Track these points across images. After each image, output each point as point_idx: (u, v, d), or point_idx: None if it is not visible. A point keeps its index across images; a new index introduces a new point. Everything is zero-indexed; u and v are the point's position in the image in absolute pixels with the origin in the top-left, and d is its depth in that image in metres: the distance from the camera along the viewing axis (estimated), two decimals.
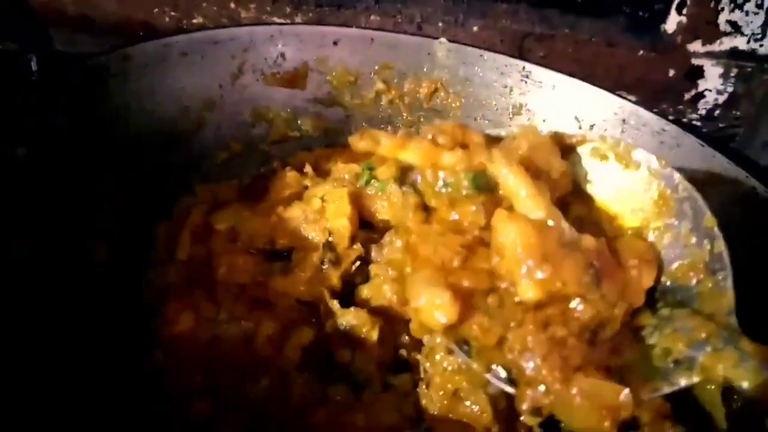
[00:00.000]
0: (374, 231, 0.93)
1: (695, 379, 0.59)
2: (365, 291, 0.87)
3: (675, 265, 0.69)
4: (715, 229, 0.67)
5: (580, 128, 1.12)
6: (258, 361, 0.83)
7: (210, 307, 0.87)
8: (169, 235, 0.95)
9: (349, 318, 0.84)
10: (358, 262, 0.89)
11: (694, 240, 0.69)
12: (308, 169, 1.00)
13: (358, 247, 0.89)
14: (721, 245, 0.66)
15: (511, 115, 1.15)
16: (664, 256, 0.71)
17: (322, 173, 1.01)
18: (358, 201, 0.92)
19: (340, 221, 0.89)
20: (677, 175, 0.72)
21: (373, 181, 0.94)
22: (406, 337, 0.85)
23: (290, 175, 1.00)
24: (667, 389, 0.61)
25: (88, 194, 0.84)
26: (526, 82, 1.14)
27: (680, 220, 0.70)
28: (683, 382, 0.60)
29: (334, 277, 0.87)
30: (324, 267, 0.88)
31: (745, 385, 0.56)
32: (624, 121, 1.09)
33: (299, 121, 1.10)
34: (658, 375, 0.61)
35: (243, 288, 0.89)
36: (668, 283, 0.69)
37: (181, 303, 0.86)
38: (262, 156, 1.09)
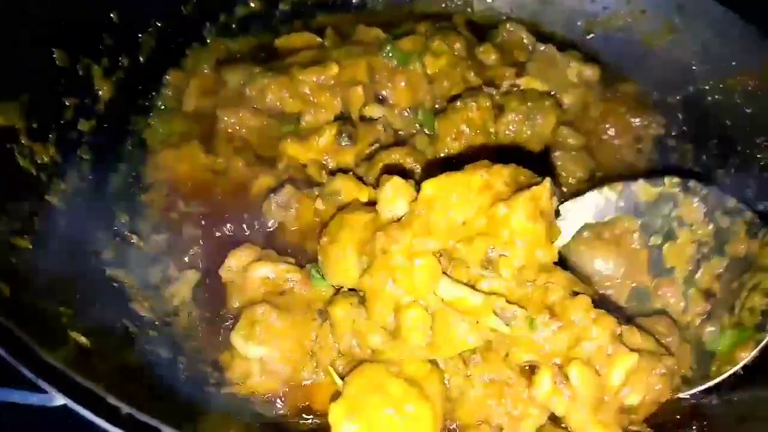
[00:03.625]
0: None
1: None
2: None
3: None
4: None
5: None
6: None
7: (207, 158, 0.84)
8: (178, 87, 0.91)
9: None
10: (376, 145, 0.84)
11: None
12: (329, 30, 0.97)
13: (380, 128, 0.85)
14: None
15: None
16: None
17: (343, 37, 0.97)
18: (373, 71, 0.89)
19: (353, 91, 0.85)
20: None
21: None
22: None
23: (308, 35, 0.96)
24: None
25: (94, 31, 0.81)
26: None
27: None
28: None
29: (349, 155, 0.83)
30: (342, 142, 0.83)
31: None
32: None
33: None
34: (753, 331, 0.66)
35: (246, 143, 0.85)
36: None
37: (178, 152, 0.84)
38: (282, 16, 1.04)
